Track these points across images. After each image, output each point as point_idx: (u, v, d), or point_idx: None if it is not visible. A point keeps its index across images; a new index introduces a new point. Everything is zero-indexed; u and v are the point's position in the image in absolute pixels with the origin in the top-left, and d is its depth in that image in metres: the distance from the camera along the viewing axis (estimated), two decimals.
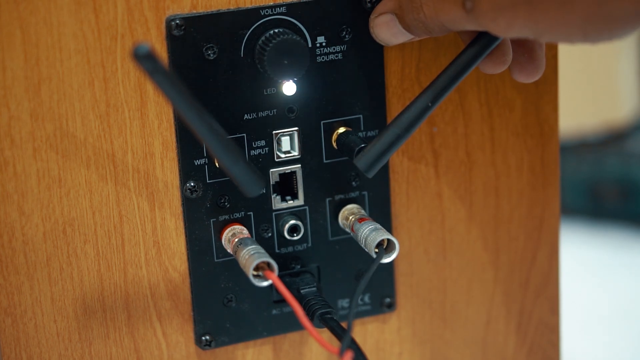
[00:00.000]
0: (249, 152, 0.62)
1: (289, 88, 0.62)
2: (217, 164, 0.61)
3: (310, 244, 0.64)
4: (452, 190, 0.67)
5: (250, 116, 0.61)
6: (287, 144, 0.63)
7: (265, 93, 0.61)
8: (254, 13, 0.60)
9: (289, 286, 0.63)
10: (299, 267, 0.65)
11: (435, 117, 0.65)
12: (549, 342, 0.72)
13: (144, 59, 0.51)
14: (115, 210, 0.61)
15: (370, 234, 0.61)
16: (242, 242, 0.61)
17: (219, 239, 0.63)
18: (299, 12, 0.61)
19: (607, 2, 0.51)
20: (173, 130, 0.61)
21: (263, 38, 0.60)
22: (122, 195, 0.61)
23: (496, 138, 0.67)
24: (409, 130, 0.59)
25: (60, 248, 0.60)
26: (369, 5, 0.62)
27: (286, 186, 0.63)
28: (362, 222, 0.62)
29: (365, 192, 0.65)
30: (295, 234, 0.64)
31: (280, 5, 0.60)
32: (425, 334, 0.69)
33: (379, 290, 0.67)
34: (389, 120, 0.63)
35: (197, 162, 0.61)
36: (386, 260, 0.61)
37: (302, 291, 0.63)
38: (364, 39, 0.62)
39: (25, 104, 0.58)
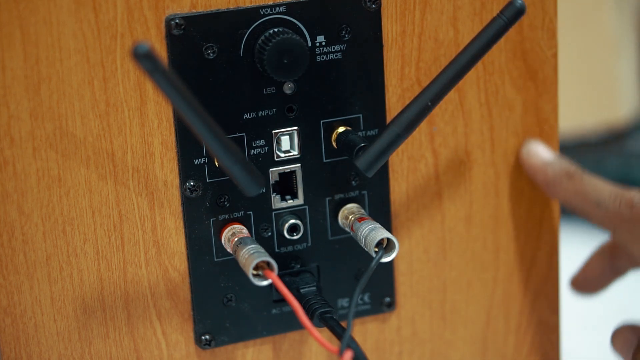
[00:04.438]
0: (248, 152, 0.62)
1: (288, 87, 0.62)
2: (216, 164, 0.61)
3: (310, 244, 0.64)
4: (452, 190, 0.67)
5: (249, 115, 0.61)
6: (287, 143, 0.63)
7: (264, 92, 0.61)
8: (253, 12, 0.60)
9: (288, 285, 0.63)
10: (298, 266, 0.65)
11: (435, 116, 0.65)
12: (549, 342, 0.72)
13: (144, 58, 0.51)
14: (115, 209, 0.61)
15: (370, 233, 0.61)
16: (242, 242, 0.61)
17: (218, 239, 0.63)
18: (298, 12, 0.61)
19: None
20: (173, 129, 0.61)
21: (262, 37, 0.60)
22: (121, 194, 0.61)
23: (496, 138, 0.67)
24: (409, 130, 0.59)
25: (60, 247, 0.60)
26: (369, 4, 0.62)
27: (286, 185, 0.63)
28: (362, 222, 0.62)
29: (365, 192, 0.65)
30: (295, 234, 0.64)
31: (279, 5, 0.60)
32: (425, 334, 0.69)
33: (379, 289, 0.67)
34: (389, 120, 0.63)
35: (196, 162, 0.61)
36: (386, 259, 0.61)
37: (301, 290, 0.63)
38: (364, 39, 0.62)
39: (25, 104, 0.58)
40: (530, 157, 0.65)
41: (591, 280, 0.67)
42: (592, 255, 0.66)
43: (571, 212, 0.63)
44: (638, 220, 0.59)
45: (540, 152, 0.65)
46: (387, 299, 0.67)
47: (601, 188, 0.61)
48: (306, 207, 0.64)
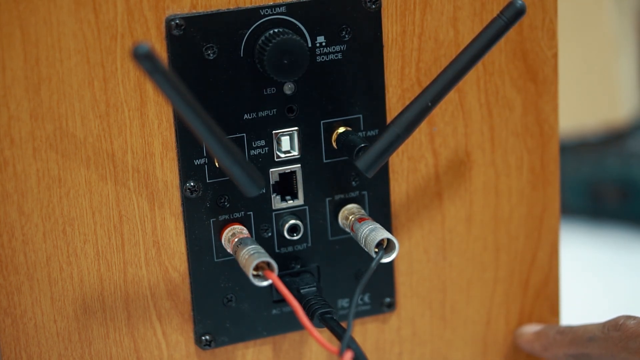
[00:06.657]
0: (248, 152, 0.62)
1: (288, 88, 0.62)
2: (217, 164, 0.61)
3: (310, 244, 0.64)
4: (452, 190, 0.67)
5: (250, 116, 0.61)
6: (287, 143, 0.63)
7: (265, 93, 0.61)
8: (253, 13, 0.60)
9: (288, 286, 0.63)
10: (298, 266, 0.65)
11: (435, 117, 0.65)
12: None
13: (144, 58, 0.51)
14: (115, 210, 0.61)
15: (370, 233, 0.61)
16: (242, 242, 0.61)
17: (218, 239, 0.63)
18: (298, 12, 0.61)
19: None
20: (173, 130, 0.61)
21: (263, 38, 0.60)
22: (122, 195, 0.61)
23: (496, 138, 0.67)
24: (409, 130, 0.59)
25: (60, 248, 0.60)
26: (369, 5, 0.62)
27: (286, 186, 0.63)
28: (362, 222, 0.62)
29: (365, 192, 0.65)
30: (295, 234, 0.64)
31: (280, 5, 0.60)
32: (425, 334, 0.69)
33: (379, 290, 0.67)
34: (389, 120, 0.63)
35: (197, 162, 0.61)
36: (386, 259, 0.61)
37: (301, 291, 0.63)
38: (364, 39, 0.62)
39: (25, 104, 0.58)
40: (523, 335, 0.69)
41: None
42: None
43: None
44: (627, 337, 0.63)
45: (530, 327, 0.70)
46: (387, 299, 0.67)
47: (590, 327, 0.65)
48: (306, 207, 0.64)
